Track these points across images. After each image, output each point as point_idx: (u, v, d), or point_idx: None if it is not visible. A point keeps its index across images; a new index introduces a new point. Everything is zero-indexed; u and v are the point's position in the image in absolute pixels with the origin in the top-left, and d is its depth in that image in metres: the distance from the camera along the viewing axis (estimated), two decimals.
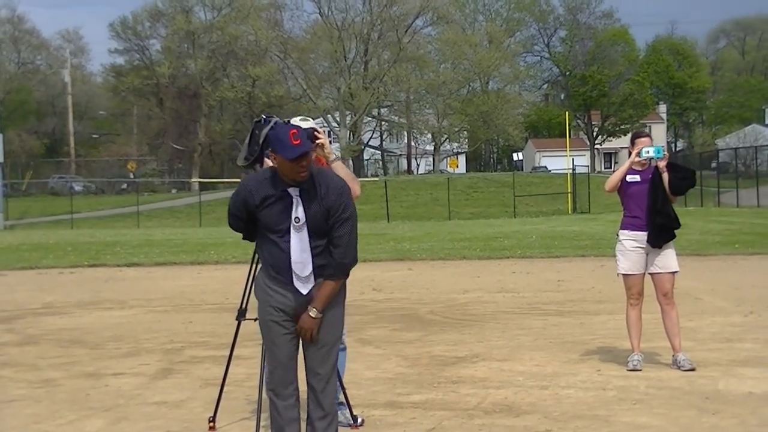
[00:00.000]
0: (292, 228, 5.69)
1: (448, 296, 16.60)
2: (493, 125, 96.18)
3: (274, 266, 5.80)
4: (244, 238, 6.06)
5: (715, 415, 7.63)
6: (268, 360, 5.99)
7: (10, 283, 21.02)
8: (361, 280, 18.27)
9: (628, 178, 9.56)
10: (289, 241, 5.71)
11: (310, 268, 5.73)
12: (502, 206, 62.76)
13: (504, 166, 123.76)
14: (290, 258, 5.71)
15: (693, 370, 9.25)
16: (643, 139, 9.61)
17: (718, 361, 9.75)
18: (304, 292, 5.75)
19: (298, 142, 5.55)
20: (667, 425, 7.36)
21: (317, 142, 6.81)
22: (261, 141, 6.59)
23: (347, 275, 5.86)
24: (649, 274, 9.57)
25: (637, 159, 9.51)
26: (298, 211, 5.68)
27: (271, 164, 6.00)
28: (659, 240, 9.42)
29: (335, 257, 5.73)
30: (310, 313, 5.75)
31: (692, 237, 26.83)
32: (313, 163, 5.82)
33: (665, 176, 9.38)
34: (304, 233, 5.70)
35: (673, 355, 9.54)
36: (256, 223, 5.83)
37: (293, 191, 5.67)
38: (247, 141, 6.71)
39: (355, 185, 6.90)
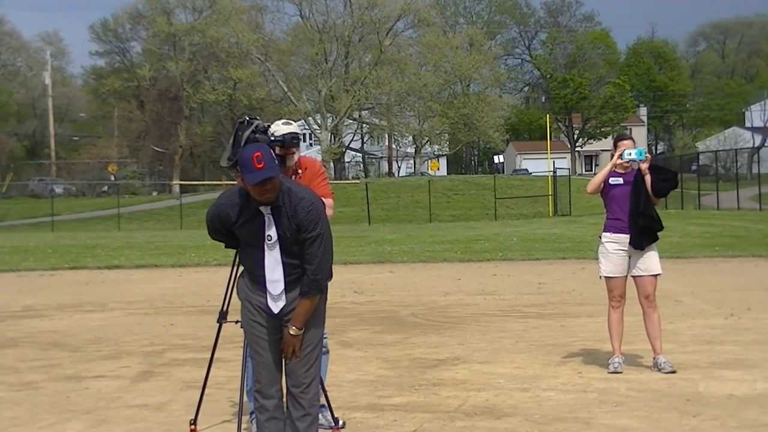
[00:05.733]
0: (265, 246, 5.69)
1: (428, 299, 16.59)
2: (474, 128, 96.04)
3: (253, 274, 5.81)
4: (226, 247, 6.06)
5: (696, 417, 7.65)
6: (253, 361, 5.98)
7: None
8: (341, 282, 18.25)
9: (611, 180, 9.58)
10: (263, 258, 5.72)
11: (282, 286, 5.74)
12: (483, 209, 62.80)
13: (485, 168, 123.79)
14: (265, 276, 5.73)
15: (674, 372, 9.27)
16: (625, 142, 9.63)
17: (698, 364, 9.78)
18: (276, 310, 5.76)
19: (261, 166, 5.50)
20: (648, 427, 7.38)
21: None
22: (243, 142, 6.60)
23: (322, 291, 5.84)
24: (632, 276, 9.59)
25: (619, 161, 9.53)
26: (271, 230, 5.67)
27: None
28: (642, 242, 9.44)
29: (308, 274, 5.71)
30: (290, 332, 5.76)
31: (672, 239, 26.91)
32: (285, 180, 5.78)
33: (647, 178, 9.40)
34: (277, 251, 5.70)
35: (653, 358, 9.57)
36: (236, 235, 5.83)
37: (265, 209, 5.66)
38: (230, 142, 6.71)
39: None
